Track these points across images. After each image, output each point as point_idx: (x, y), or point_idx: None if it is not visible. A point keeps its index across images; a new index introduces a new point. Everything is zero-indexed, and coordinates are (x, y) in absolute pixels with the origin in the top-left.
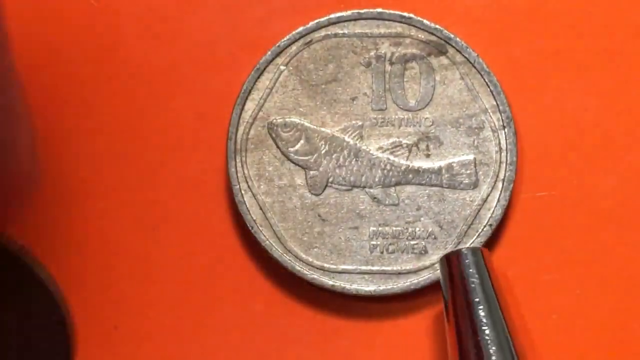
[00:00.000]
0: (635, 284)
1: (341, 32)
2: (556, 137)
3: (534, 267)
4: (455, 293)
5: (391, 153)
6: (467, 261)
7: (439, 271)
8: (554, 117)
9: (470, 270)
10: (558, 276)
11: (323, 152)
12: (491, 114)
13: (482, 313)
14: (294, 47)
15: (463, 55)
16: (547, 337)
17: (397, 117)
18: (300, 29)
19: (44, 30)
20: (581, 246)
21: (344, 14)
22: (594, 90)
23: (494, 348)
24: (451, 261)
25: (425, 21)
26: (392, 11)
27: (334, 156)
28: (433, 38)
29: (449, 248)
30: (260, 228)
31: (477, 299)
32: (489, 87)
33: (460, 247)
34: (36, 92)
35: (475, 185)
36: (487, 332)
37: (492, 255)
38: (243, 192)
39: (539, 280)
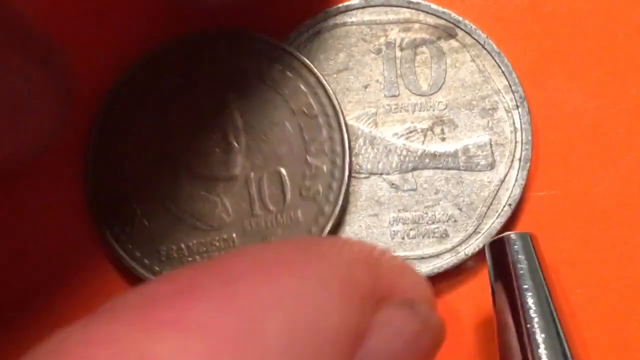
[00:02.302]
0: (635, 283)
1: (350, 20)
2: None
3: None
4: (502, 280)
5: (406, 139)
6: (515, 247)
7: (461, 254)
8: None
9: (520, 256)
10: (557, 276)
11: None
12: (504, 94)
13: (530, 300)
14: (303, 38)
15: (472, 37)
16: None
17: (410, 102)
18: (309, 19)
19: None
20: (582, 245)
21: (352, 2)
22: (620, 87)
23: (543, 336)
24: (498, 247)
25: (433, 5)
26: None
27: None
28: (442, 22)
29: (470, 230)
30: None
31: (525, 286)
32: (500, 67)
33: (507, 233)
34: None
35: (492, 166)
36: (535, 319)
37: None
38: None
39: None
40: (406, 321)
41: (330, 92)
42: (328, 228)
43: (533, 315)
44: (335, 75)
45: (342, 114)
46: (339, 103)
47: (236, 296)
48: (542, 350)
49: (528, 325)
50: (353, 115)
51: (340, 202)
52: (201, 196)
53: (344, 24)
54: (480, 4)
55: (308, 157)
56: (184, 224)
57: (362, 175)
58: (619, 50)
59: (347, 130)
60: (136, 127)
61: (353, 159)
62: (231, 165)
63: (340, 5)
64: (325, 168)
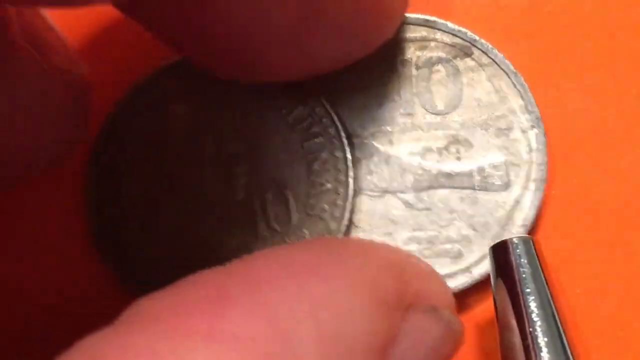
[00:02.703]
0: (636, 283)
1: None
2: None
3: None
4: (505, 283)
5: (422, 157)
6: (517, 251)
7: (475, 274)
8: (582, 116)
9: (522, 260)
10: (557, 276)
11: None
12: (520, 114)
13: (533, 304)
14: None
15: (489, 57)
16: None
17: (425, 121)
18: None
19: None
20: (582, 245)
21: None
22: (620, 87)
23: (545, 339)
24: (501, 251)
25: (449, 24)
26: (416, 15)
27: (364, 163)
28: (458, 40)
29: (484, 250)
30: None
31: (528, 289)
32: (516, 87)
33: (510, 236)
34: None
35: (507, 186)
36: (538, 323)
37: None
38: None
39: None
40: (432, 327)
41: (330, 109)
42: None
43: (535, 318)
44: (350, 93)
45: (345, 130)
46: (340, 119)
47: (267, 304)
48: (545, 354)
49: (530, 329)
50: (368, 133)
51: (346, 218)
52: (206, 223)
53: None
54: (496, 23)
55: (311, 176)
56: (191, 252)
57: (377, 194)
58: (619, 50)
59: (349, 146)
60: (136, 152)
61: (368, 177)
62: (234, 190)
63: None
64: (329, 185)
